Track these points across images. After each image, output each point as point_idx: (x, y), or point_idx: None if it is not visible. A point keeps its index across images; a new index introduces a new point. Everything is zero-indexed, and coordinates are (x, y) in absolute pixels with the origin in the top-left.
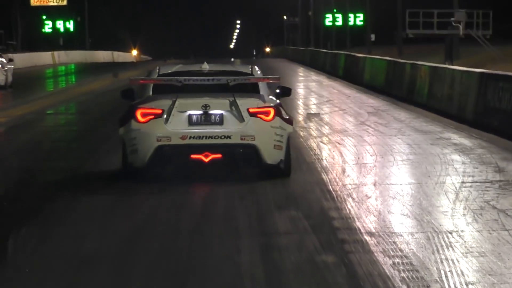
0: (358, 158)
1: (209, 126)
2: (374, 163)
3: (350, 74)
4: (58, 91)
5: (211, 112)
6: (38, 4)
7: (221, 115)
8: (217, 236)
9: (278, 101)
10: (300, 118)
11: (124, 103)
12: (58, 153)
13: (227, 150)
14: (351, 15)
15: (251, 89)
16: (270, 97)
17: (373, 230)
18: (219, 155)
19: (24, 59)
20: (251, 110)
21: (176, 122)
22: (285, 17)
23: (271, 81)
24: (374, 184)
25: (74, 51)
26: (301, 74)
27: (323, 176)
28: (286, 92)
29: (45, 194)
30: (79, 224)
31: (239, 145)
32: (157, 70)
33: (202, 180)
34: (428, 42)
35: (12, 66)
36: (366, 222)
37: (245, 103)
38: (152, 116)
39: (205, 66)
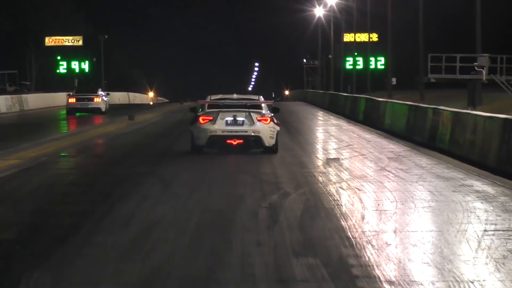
0: (378, 204)
1: (236, 126)
2: (394, 210)
3: (370, 119)
4: (72, 133)
5: (237, 119)
6: (53, 44)
7: (243, 120)
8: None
9: (272, 114)
10: (319, 163)
11: (138, 149)
12: (71, 197)
13: (245, 138)
14: (372, 59)
15: (258, 107)
16: (268, 112)
17: (393, 279)
18: (241, 141)
19: (38, 100)
20: (258, 118)
21: (219, 124)
22: (304, 60)
23: (267, 103)
24: (394, 231)
25: None
26: (320, 118)
27: (342, 223)
28: (276, 110)
29: (57, 238)
30: (92, 269)
31: (252, 136)
32: (209, 97)
33: (232, 153)
34: (450, 87)
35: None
36: (386, 270)
37: (255, 115)
38: (207, 120)
39: (234, 96)
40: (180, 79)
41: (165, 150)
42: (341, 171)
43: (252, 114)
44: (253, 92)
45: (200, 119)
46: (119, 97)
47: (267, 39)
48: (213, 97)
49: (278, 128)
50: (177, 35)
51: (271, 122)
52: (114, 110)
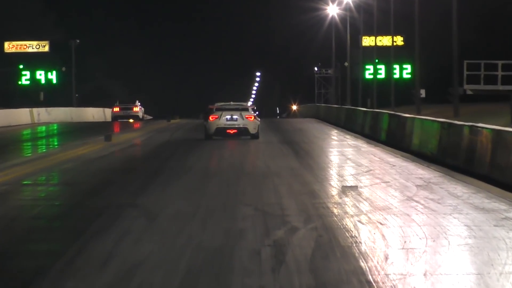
0: (405, 241)
1: (232, 121)
2: (424, 248)
3: (394, 138)
4: (37, 157)
5: (233, 117)
6: (13, 50)
7: (236, 118)
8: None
9: (255, 113)
10: (334, 191)
11: (117, 176)
12: (37, 234)
13: (238, 129)
14: (397, 67)
15: (246, 110)
16: (252, 112)
17: None
18: (236, 131)
19: None
20: (246, 116)
21: (222, 120)
22: (315, 69)
23: (253, 107)
24: (424, 274)
25: (57, 108)
26: (334, 137)
27: (362, 264)
28: (255, 110)
29: (21, 283)
30: None
31: (242, 128)
32: (215, 104)
33: (230, 139)
34: (490, 100)
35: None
36: None
37: (244, 114)
38: (215, 118)
39: (231, 103)
40: (168, 92)
41: (150, 177)
42: (360, 201)
43: (242, 113)
44: (254, 109)
45: (210, 117)
46: (94, 113)
47: (270, 45)
48: (218, 104)
49: (259, 122)
50: (165, 40)
51: (254, 119)
52: (87, 129)
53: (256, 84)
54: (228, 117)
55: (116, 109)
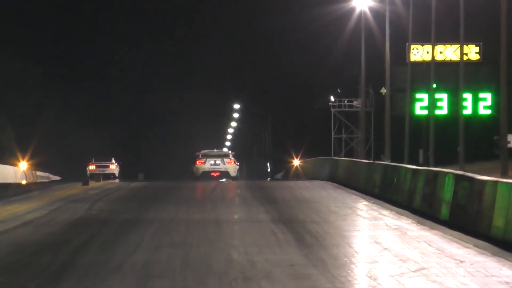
0: None
1: (216, 166)
2: None
3: (463, 216)
4: None
5: (216, 162)
6: None
7: (219, 163)
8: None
9: (234, 159)
10: None
11: None
12: None
13: (221, 172)
14: (468, 97)
15: (227, 156)
16: (232, 158)
17: None
18: (218, 174)
19: None
20: (227, 161)
21: (207, 165)
22: (331, 99)
23: (233, 153)
24: None
25: None
26: (363, 213)
27: None
28: (235, 156)
29: None
30: None
31: (224, 171)
32: (201, 152)
33: (212, 180)
34: None
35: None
36: None
37: (225, 159)
38: (201, 163)
39: (215, 150)
40: (88, 137)
41: (51, 276)
42: None
43: (224, 159)
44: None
45: (197, 162)
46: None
47: (257, 63)
48: (203, 151)
49: (237, 166)
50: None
51: (234, 164)
52: None
53: (234, 124)
54: (212, 162)
55: (92, 166)
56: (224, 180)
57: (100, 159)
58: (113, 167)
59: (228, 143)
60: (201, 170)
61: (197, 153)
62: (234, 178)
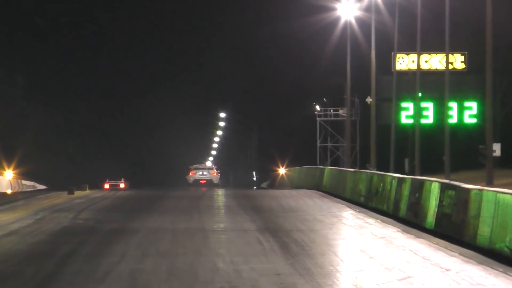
0: None
1: (203, 176)
2: None
3: (449, 225)
4: None
5: (204, 173)
6: None
7: (206, 174)
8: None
9: (216, 171)
10: None
11: None
12: None
13: (207, 180)
14: (454, 105)
15: (212, 168)
16: (215, 170)
17: None
18: (205, 181)
19: None
20: (211, 172)
21: (197, 175)
22: (317, 108)
23: (216, 167)
24: None
25: None
26: (349, 222)
27: None
28: (217, 169)
29: None
30: None
31: (209, 179)
32: (193, 166)
33: (201, 186)
34: None
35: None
36: None
37: (210, 171)
38: (193, 174)
39: (203, 164)
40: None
41: (37, 286)
42: None
43: (209, 171)
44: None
45: (190, 173)
46: None
47: (243, 72)
48: (194, 165)
49: (219, 176)
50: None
51: (217, 174)
52: None
53: (220, 133)
54: (201, 173)
55: (107, 185)
56: (208, 190)
57: (113, 178)
58: (122, 186)
59: (214, 152)
60: (193, 179)
61: (190, 167)
62: (216, 185)
